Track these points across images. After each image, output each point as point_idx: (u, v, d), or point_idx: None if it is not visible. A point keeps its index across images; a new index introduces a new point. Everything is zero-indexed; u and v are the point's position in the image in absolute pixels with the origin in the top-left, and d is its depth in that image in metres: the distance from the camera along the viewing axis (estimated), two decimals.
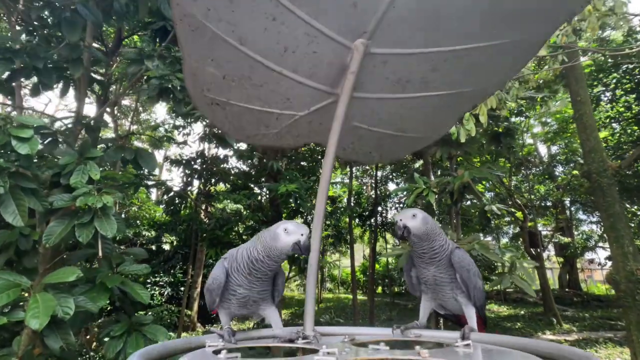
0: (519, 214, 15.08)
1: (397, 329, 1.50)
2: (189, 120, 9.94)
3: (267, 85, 1.40)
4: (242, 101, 1.44)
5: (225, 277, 1.52)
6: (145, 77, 4.58)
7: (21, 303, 2.45)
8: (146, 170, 8.83)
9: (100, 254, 2.52)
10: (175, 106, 3.19)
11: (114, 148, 3.01)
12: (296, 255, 1.60)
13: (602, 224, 19.38)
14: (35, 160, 3.04)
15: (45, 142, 2.76)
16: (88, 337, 8.46)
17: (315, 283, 1.25)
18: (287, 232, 1.47)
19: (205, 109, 1.46)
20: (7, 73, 2.63)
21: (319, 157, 11.80)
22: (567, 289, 20.36)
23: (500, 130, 6.62)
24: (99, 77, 5.01)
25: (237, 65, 1.30)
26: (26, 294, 2.31)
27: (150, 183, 8.54)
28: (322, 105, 1.57)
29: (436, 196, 5.69)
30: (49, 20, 3.45)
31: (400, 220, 1.48)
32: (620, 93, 11.87)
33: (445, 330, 1.69)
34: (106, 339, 2.94)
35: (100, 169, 2.95)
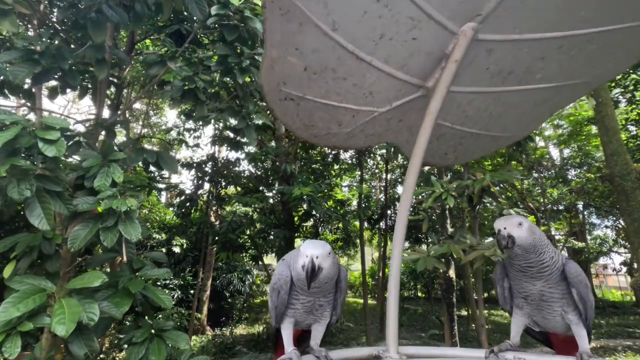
0: (531, 218, 14.83)
1: (491, 353, 1.40)
2: (200, 124, 9.96)
3: (351, 79, 1.27)
4: (318, 96, 1.32)
5: (290, 275, 1.41)
6: (160, 81, 4.58)
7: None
8: (156, 173, 8.88)
9: (124, 258, 2.47)
10: (197, 108, 3.15)
11: (135, 150, 2.97)
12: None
13: (616, 228, 18.98)
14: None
15: (68, 145, 2.73)
16: (99, 340, 8.45)
17: (397, 300, 1.12)
18: (299, 254, 1.37)
19: (277, 105, 1.35)
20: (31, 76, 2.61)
21: (330, 159, 11.73)
22: None
23: None
24: (115, 80, 5.04)
25: (323, 56, 1.18)
26: (50, 300, 2.26)
27: (161, 186, 8.57)
28: (407, 100, 1.44)
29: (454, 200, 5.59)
30: (69, 22, 3.45)
31: (504, 228, 1.33)
32: None
33: (547, 353, 1.53)
34: (124, 345, 2.89)
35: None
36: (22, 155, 2.28)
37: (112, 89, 6.07)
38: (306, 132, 1.56)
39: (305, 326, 1.58)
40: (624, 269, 20.35)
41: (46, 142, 2.12)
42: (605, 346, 11.35)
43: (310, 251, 1.32)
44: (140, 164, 3.74)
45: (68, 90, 4.02)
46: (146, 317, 3.03)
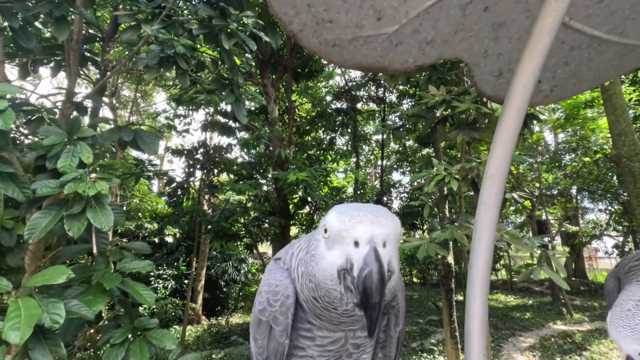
0: (526, 203, 14.77)
1: None
2: (191, 108, 9.50)
3: None
4: None
5: (294, 291, 0.76)
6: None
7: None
8: (147, 161, 8.46)
9: (94, 250, 2.15)
10: (179, 78, 2.78)
11: (110, 128, 2.61)
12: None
13: (609, 211, 19.11)
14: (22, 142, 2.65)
15: (28, 120, 2.36)
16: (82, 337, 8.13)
17: (484, 315, 0.62)
18: (328, 242, 0.68)
19: None
20: None
21: (325, 144, 11.37)
22: (573, 278, 20.20)
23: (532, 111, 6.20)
24: (97, 59, 4.61)
25: None
26: (8, 299, 1.94)
27: (150, 174, 8.19)
28: None
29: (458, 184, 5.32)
30: None
31: None
32: None
33: None
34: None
35: (99, 157, 2.58)
36: None
37: (98, 76, 5.64)
38: (318, 37, 0.85)
39: None
40: (616, 252, 20.65)
41: None
42: (600, 328, 11.42)
43: (368, 229, 0.61)
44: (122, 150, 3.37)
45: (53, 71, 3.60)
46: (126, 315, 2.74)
